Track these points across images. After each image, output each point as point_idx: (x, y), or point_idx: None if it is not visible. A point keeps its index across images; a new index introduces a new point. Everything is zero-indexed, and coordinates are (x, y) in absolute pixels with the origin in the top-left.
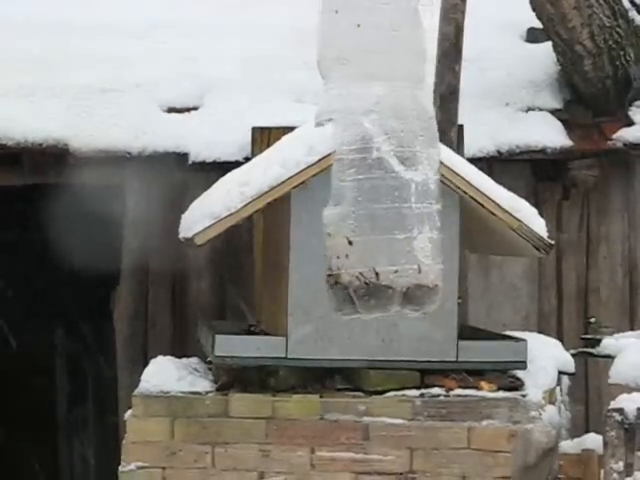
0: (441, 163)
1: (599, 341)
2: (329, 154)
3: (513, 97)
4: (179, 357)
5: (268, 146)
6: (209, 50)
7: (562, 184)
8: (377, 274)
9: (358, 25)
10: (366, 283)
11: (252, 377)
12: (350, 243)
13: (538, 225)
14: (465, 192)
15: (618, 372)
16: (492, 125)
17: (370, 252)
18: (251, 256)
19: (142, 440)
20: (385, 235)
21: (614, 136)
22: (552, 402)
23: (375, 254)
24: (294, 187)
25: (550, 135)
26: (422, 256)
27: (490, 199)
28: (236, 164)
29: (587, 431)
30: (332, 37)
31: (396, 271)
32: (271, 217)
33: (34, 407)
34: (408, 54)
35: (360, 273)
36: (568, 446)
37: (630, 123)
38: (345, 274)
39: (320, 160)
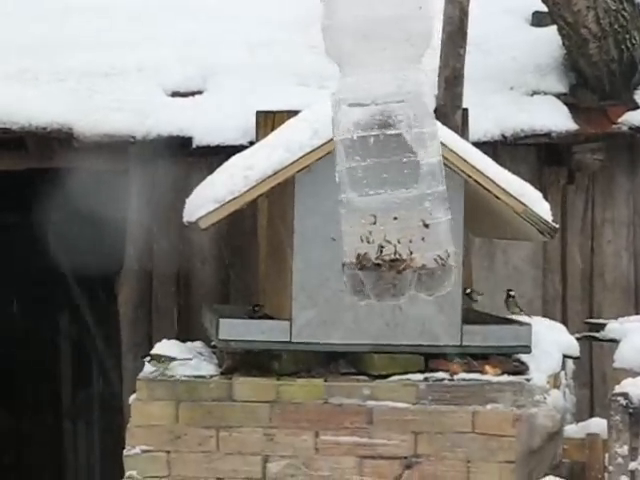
0: (446, 147)
1: (604, 325)
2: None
3: (518, 81)
4: (183, 341)
5: (272, 130)
6: (213, 34)
7: (567, 168)
8: (449, 255)
9: (420, 7)
10: (443, 264)
11: (256, 361)
12: (426, 226)
13: (543, 209)
14: (470, 176)
15: (623, 356)
16: (497, 109)
17: (442, 234)
18: (255, 240)
19: (147, 424)
20: (447, 216)
21: (619, 120)
22: (557, 386)
23: (445, 235)
24: (298, 171)
25: (555, 119)
26: None
27: (495, 183)
28: (240, 148)
29: (592, 415)
30: (400, 17)
31: (456, 252)
32: (275, 201)
33: (39, 392)
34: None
35: (438, 255)
36: (573, 430)
37: (635, 107)
38: (420, 258)
39: (324, 144)
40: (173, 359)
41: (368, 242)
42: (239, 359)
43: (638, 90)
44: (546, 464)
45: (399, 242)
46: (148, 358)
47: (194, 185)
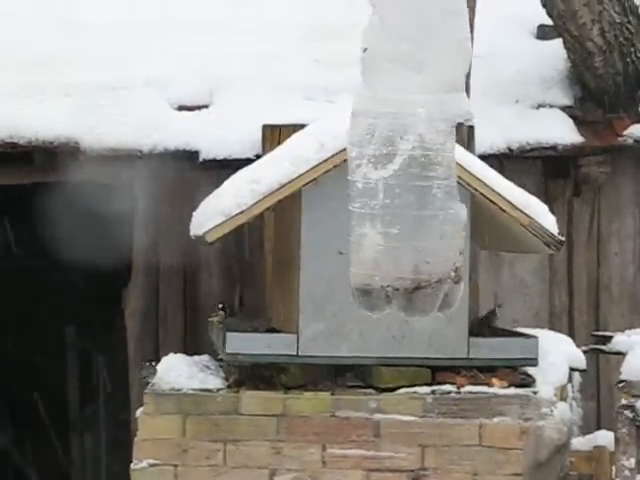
0: None
1: (610, 338)
2: (340, 151)
3: (523, 94)
4: (190, 354)
5: (279, 143)
6: (219, 47)
7: (573, 181)
8: None
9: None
10: None
11: (263, 374)
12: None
13: (549, 222)
14: (476, 189)
15: (629, 369)
16: (503, 122)
17: None
18: (262, 253)
19: (154, 437)
20: None
21: (625, 132)
22: (563, 399)
23: None
24: (305, 184)
25: (561, 132)
26: None
27: (501, 196)
28: (247, 162)
29: (598, 428)
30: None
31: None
32: (282, 214)
33: (45, 405)
34: None
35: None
36: (579, 443)
37: None
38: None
39: (331, 157)
40: None
41: (461, 254)
42: (246, 372)
43: None
44: (553, 477)
45: (461, 254)
46: (148, 363)
47: (200, 199)
